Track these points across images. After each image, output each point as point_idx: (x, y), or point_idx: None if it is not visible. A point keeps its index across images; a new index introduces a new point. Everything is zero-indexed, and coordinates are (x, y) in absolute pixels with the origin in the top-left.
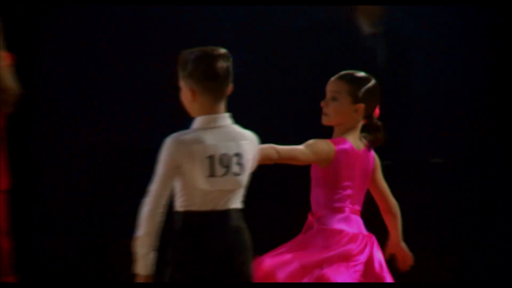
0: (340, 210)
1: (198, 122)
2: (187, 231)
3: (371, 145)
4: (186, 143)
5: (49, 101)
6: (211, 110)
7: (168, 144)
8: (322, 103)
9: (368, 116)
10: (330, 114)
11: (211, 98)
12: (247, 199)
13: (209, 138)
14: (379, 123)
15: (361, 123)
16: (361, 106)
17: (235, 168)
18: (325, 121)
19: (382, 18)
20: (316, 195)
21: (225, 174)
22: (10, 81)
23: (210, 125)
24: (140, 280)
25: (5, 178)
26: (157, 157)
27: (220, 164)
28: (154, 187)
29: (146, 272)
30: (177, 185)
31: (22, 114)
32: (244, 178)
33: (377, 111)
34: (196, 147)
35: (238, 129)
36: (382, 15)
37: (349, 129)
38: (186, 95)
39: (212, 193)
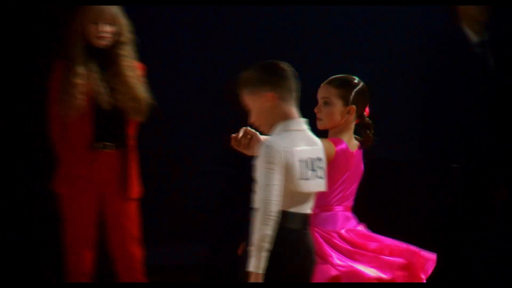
0: (329, 209)
1: (284, 126)
2: (281, 230)
3: (363, 144)
4: (284, 147)
5: (176, 106)
6: (292, 115)
7: (270, 149)
8: (316, 109)
9: (359, 116)
10: (324, 119)
11: (291, 104)
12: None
13: (298, 142)
14: (370, 121)
15: (353, 123)
16: (353, 107)
17: (319, 172)
18: (320, 125)
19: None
20: None
21: (312, 177)
22: (142, 91)
23: (296, 128)
24: (252, 278)
25: (137, 187)
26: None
27: (308, 167)
28: (265, 192)
29: (258, 270)
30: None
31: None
32: (325, 181)
33: (367, 110)
34: (292, 151)
35: (311, 133)
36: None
37: (343, 130)
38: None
39: (301, 195)
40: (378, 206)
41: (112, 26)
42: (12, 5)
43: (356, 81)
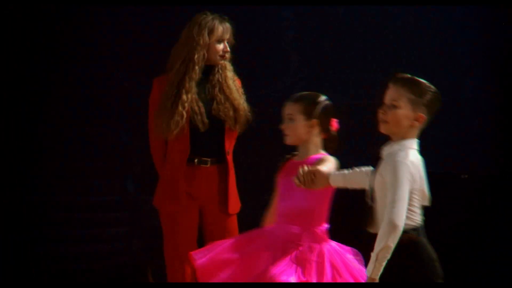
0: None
1: (413, 143)
2: (416, 247)
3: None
4: (415, 164)
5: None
6: (417, 135)
7: (406, 165)
8: (282, 126)
9: (325, 130)
10: (289, 134)
11: (422, 127)
12: None
13: (420, 161)
14: (336, 136)
15: (319, 137)
16: (315, 121)
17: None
18: (287, 141)
19: None
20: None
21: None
22: (242, 102)
23: (417, 148)
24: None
25: (236, 202)
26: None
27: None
28: (400, 205)
29: (377, 278)
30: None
31: None
32: None
33: (334, 125)
34: (420, 168)
35: None
36: None
37: (310, 144)
38: (408, 118)
39: (419, 209)
40: None
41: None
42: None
43: (318, 96)
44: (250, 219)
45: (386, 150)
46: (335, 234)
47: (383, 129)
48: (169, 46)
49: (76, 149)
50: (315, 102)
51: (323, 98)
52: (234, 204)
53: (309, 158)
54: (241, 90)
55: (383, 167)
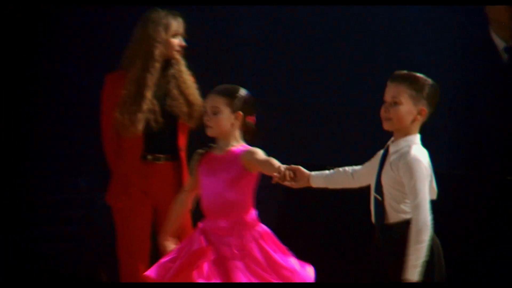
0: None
1: (417, 138)
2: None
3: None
4: (426, 159)
5: None
6: (419, 130)
7: (422, 161)
8: (206, 119)
9: (247, 123)
10: (213, 127)
11: (424, 121)
12: None
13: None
14: (255, 128)
15: (239, 130)
16: (240, 114)
17: None
18: (210, 132)
19: None
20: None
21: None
22: (197, 96)
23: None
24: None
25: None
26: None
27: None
28: (424, 201)
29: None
30: (401, 196)
31: None
32: None
33: (253, 118)
34: (429, 162)
35: None
36: None
37: (231, 137)
38: (411, 113)
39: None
40: None
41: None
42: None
43: (242, 90)
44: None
45: (393, 147)
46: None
47: (387, 126)
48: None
49: (28, 147)
50: (239, 95)
51: (244, 91)
52: None
53: (231, 150)
54: (195, 85)
55: (394, 163)
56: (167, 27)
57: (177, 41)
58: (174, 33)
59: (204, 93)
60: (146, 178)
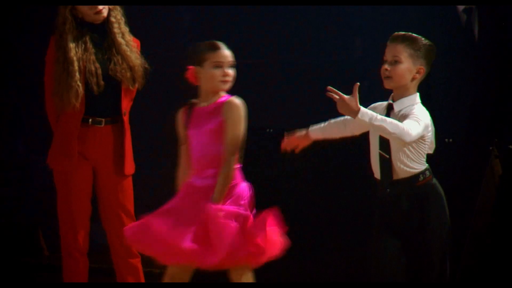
0: None
1: (418, 97)
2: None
3: None
4: (429, 117)
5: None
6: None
7: (427, 113)
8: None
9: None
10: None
11: (422, 79)
12: None
13: None
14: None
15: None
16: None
17: None
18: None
19: None
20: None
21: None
22: (137, 59)
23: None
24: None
25: (131, 163)
26: None
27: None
28: (422, 126)
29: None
30: (410, 153)
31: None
32: None
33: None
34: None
35: None
36: None
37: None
38: (411, 72)
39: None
40: None
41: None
42: None
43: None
44: (147, 180)
45: (397, 105)
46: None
47: (387, 84)
48: None
49: None
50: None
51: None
52: (130, 165)
53: (217, 102)
54: (136, 49)
55: (401, 120)
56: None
57: (93, 7)
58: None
59: None
60: (86, 141)
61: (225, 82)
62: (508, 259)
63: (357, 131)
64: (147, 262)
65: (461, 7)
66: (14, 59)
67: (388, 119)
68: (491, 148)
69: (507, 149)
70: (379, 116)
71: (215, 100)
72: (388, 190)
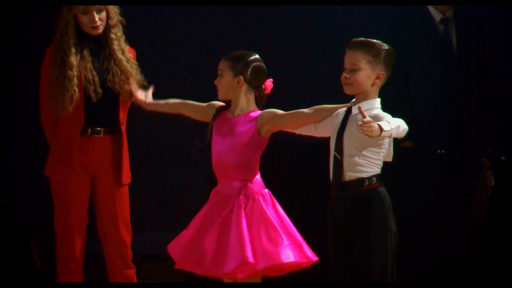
0: None
1: (378, 102)
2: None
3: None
4: None
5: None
6: (378, 94)
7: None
8: (215, 81)
9: (255, 87)
10: (220, 90)
11: (382, 84)
12: None
13: None
14: (265, 95)
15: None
16: (241, 78)
17: None
18: (219, 96)
19: None
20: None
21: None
22: (135, 73)
23: (380, 107)
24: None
25: (128, 173)
26: None
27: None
28: (401, 121)
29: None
30: (359, 155)
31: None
32: None
33: (268, 85)
34: None
35: None
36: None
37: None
38: (369, 77)
39: (381, 162)
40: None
41: (102, 12)
42: None
43: (250, 55)
44: (143, 189)
45: (355, 109)
46: None
47: (347, 90)
48: None
49: None
50: (245, 60)
51: (254, 56)
52: (127, 174)
53: (246, 114)
54: (133, 60)
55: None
56: (74, 5)
57: (90, 18)
58: (83, 10)
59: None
60: (85, 152)
61: None
62: (501, 270)
63: (326, 135)
64: (142, 273)
65: (438, 18)
66: (5, 69)
67: (394, 124)
68: (483, 159)
69: (499, 161)
70: (390, 131)
71: (245, 112)
72: (336, 192)
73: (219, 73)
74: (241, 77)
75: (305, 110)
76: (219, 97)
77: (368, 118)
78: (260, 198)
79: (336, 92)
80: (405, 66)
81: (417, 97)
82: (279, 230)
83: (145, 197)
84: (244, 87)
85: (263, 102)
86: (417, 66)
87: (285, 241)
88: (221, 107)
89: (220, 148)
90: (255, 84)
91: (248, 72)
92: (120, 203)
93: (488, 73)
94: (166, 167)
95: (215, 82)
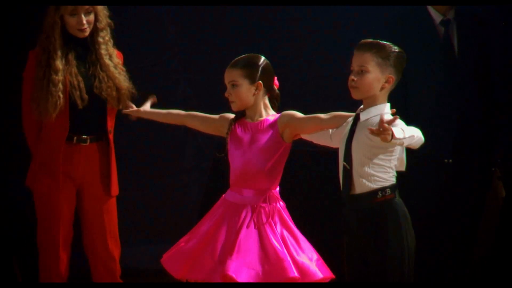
0: None
1: (387, 107)
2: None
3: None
4: None
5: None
6: (387, 98)
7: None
8: (226, 94)
9: (269, 89)
10: (236, 101)
11: (391, 89)
12: None
13: None
14: (279, 93)
15: (265, 98)
16: (260, 83)
17: None
18: (234, 107)
19: None
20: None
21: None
22: (122, 80)
23: (390, 112)
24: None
25: (116, 184)
26: None
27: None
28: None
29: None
30: (370, 163)
31: None
32: None
33: (276, 83)
34: None
35: None
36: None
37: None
38: (378, 81)
39: (394, 171)
40: None
41: (90, 14)
42: None
43: (259, 58)
44: (132, 200)
45: (363, 115)
46: None
47: (355, 95)
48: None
49: None
50: (257, 64)
51: (262, 58)
52: (115, 185)
53: (265, 119)
54: (121, 66)
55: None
56: (61, 6)
57: (77, 19)
58: (71, 11)
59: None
60: (70, 160)
61: None
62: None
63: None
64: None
65: (438, 19)
66: None
67: (408, 133)
68: (493, 169)
69: (510, 171)
70: (401, 139)
71: (265, 117)
72: (347, 205)
73: (229, 85)
74: (260, 83)
75: (322, 115)
76: (234, 108)
77: (387, 126)
78: (282, 210)
79: (341, 96)
80: (403, 71)
81: (417, 103)
82: (308, 243)
83: (134, 209)
84: (262, 91)
85: (278, 101)
86: (416, 70)
87: (314, 256)
88: (235, 117)
89: (246, 156)
90: (269, 85)
91: (264, 75)
92: (107, 215)
93: (492, 77)
94: (157, 176)
95: (226, 95)
